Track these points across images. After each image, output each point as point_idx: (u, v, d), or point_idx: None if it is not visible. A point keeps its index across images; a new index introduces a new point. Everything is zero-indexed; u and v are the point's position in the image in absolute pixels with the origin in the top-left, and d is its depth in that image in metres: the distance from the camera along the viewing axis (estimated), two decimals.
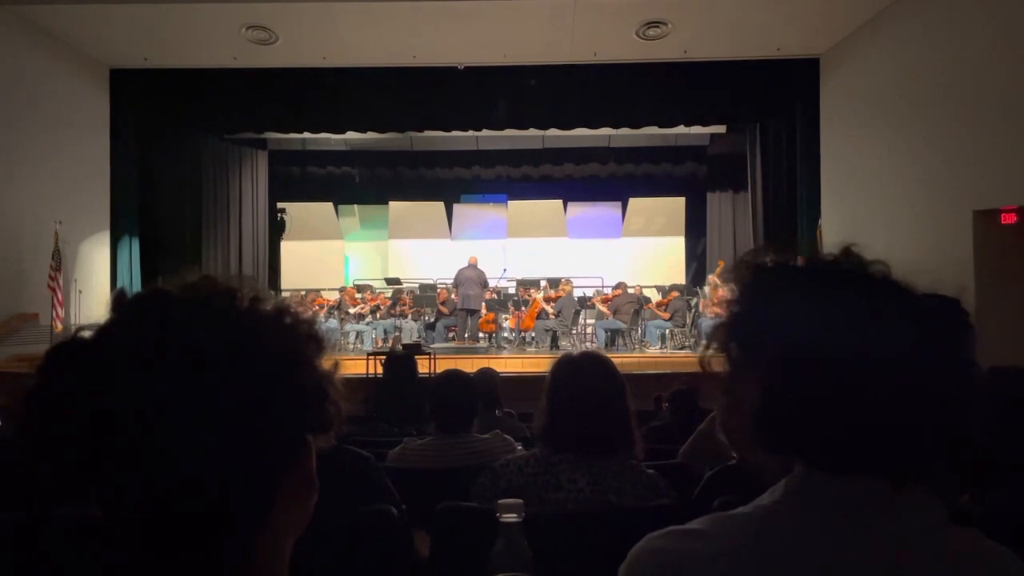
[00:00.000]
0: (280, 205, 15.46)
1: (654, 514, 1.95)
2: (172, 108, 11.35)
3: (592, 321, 12.41)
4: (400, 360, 4.67)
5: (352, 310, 12.52)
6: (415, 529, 2.30)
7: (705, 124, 12.84)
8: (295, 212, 15.64)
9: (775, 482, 0.80)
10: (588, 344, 12.04)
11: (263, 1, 9.14)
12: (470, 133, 13.09)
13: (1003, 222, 7.44)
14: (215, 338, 0.64)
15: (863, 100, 9.66)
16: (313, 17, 9.51)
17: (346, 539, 1.94)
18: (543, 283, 12.72)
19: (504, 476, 2.08)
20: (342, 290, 13.22)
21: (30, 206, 9.38)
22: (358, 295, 12.99)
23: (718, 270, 12.02)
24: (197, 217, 12.63)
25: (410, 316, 12.60)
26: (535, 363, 9.84)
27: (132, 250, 11.26)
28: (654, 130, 12.88)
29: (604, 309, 11.82)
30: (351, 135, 13.69)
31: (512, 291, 12.97)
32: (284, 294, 12.21)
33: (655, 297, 12.76)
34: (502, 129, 11.94)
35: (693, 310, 11.88)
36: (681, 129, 13.02)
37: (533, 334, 11.96)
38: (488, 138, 14.04)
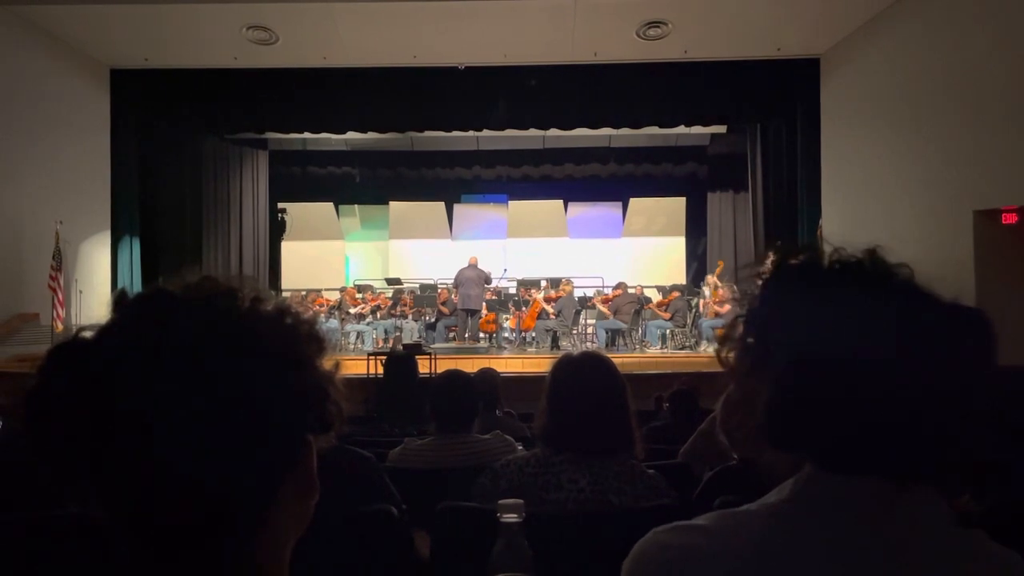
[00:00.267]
0: (281, 205, 15.46)
1: (655, 514, 1.95)
2: (173, 108, 11.36)
3: (592, 321, 12.40)
4: (401, 360, 4.67)
5: (353, 310, 12.52)
6: (415, 529, 2.30)
7: (705, 124, 12.84)
8: (296, 212, 15.64)
9: (779, 482, 0.80)
10: (588, 344, 12.04)
11: (264, 1, 9.15)
12: (471, 133, 13.09)
13: (1004, 222, 7.45)
14: (216, 338, 0.64)
15: (863, 100, 9.66)
16: (314, 17, 9.51)
17: (347, 539, 1.94)
18: (543, 283, 12.72)
19: (505, 476, 2.08)
20: (343, 290, 13.22)
21: (31, 206, 9.38)
22: (359, 295, 12.99)
23: (718, 270, 12.03)
24: (198, 217, 12.64)
25: (411, 316, 12.60)
26: (536, 363, 9.83)
27: (133, 250, 11.26)
28: (655, 130, 12.87)
29: (604, 309, 11.82)
30: (352, 135, 13.69)
31: (513, 291, 12.97)
32: (285, 294, 12.22)
33: (655, 297, 12.76)
34: (503, 129, 11.95)
35: (693, 310, 11.88)
36: (682, 129, 13.01)
37: (533, 334, 11.96)
38: (488, 138, 14.04)
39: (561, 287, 12.12)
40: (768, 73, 10.77)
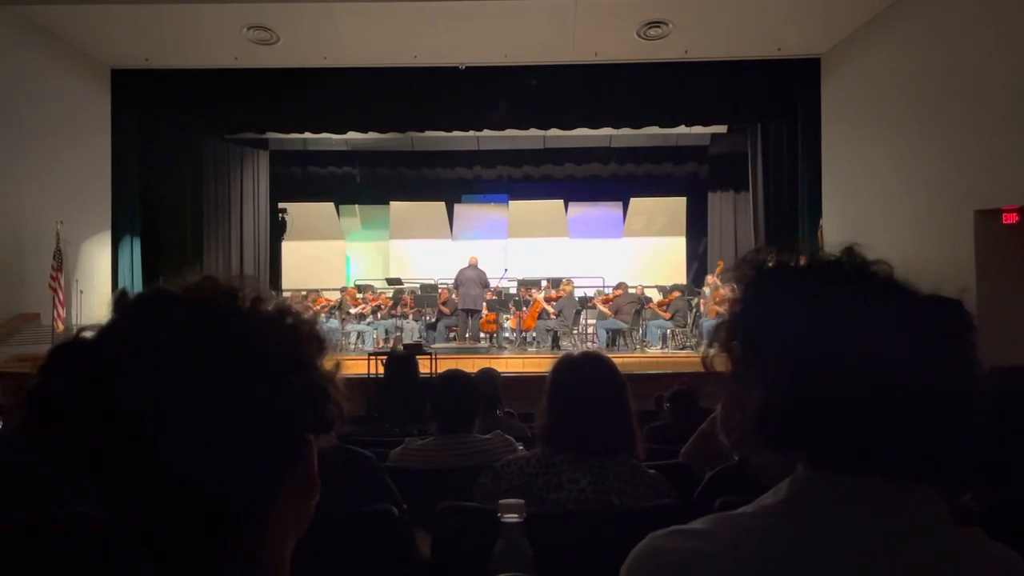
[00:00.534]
0: (281, 205, 15.46)
1: (655, 514, 1.95)
2: (173, 108, 11.36)
3: (593, 321, 12.40)
4: (401, 360, 4.68)
5: (353, 310, 12.52)
6: (416, 529, 2.30)
7: (706, 124, 12.84)
8: (296, 212, 15.64)
9: (777, 482, 0.80)
10: (589, 344, 12.03)
11: (264, 1, 9.15)
12: (471, 133, 13.09)
13: (1004, 222, 7.44)
14: (216, 338, 0.65)
15: (864, 100, 9.66)
16: (314, 17, 9.51)
17: (347, 539, 1.94)
18: (544, 283, 12.72)
19: (505, 476, 2.08)
20: (343, 290, 13.23)
21: (31, 206, 9.39)
22: (359, 295, 12.99)
23: (718, 270, 12.02)
24: (198, 217, 12.64)
25: (411, 316, 12.60)
26: (536, 363, 9.83)
27: (133, 250, 11.26)
28: (655, 130, 12.87)
29: (605, 309, 11.82)
30: (352, 135, 13.69)
31: (513, 291, 12.97)
32: (285, 294, 12.22)
33: (656, 297, 12.75)
34: (503, 129, 11.95)
35: (694, 310, 11.88)
36: (682, 129, 13.01)
37: (534, 334, 11.96)
38: (489, 138, 14.04)
39: (562, 287, 12.12)
40: (769, 73, 10.77)
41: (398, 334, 12.01)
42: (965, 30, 7.75)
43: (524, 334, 12.11)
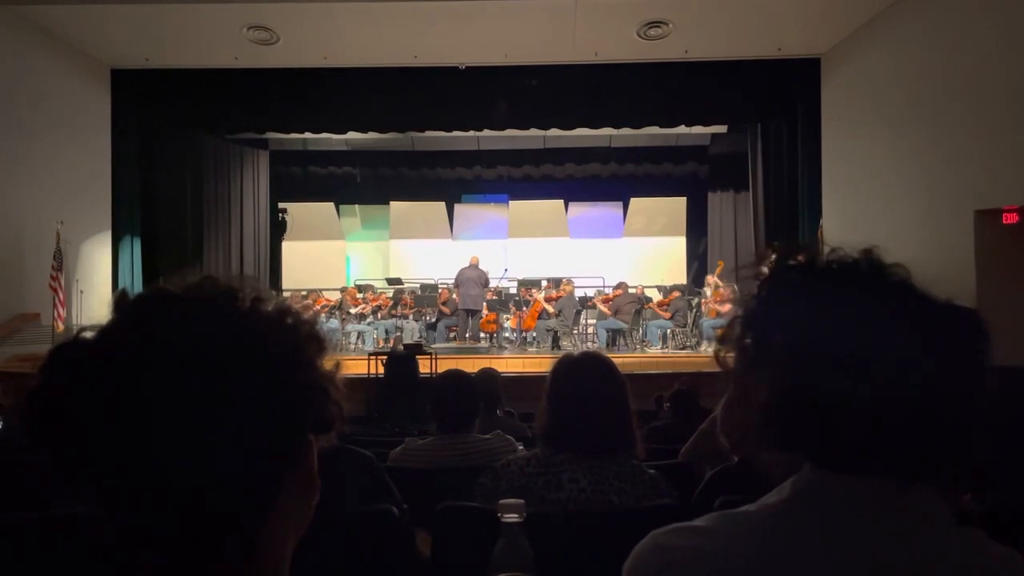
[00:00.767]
0: (281, 205, 15.46)
1: (655, 514, 1.95)
2: (173, 108, 11.36)
3: (593, 321, 12.40)
4: (401, 360, 4.68)
5: (353, 310, 12.52)
6: (416, 529, 2.31)
7: (706, 124, 12.84)
8: (296, 212, 15.64)
9: (778, 482, 0.80)
10: (589, 344, 12.03)
11: (264, 1, 9.15)
12: (471, 133, 13.09)
13: (1004, 222, 7.45)
14: (217, 338, 0.65)
15: (864, 100, 9.66)
16: (314, 17, 9.51)
17: (347, 539, 1.94)
18: (544, 283, 12.72)
19: (505, 476, 2.08)
20: (343, 290, 13.22)
21: (31, 206, 9.39)
22: (359, 295, 12.99)
23: (718, 270, 12.02)
24: (198, 217, 12.64)
25: (411, 316, 12.59)
26: (536, 363, 9.83)
27: (133, 250, 11.27)
28: (655, 130, 12.87)
29: (605, 309, 11.82)
30: (352, 135, 13.69)
31: (513, 291, 12.97)
32: (285, 294, 12.22)
33: (656, 297, 12.75)
34: (503, 129, 11.95)
35: (694, 310, 11.88)
36: (682, 129, 13.01)
37: (534, 334, 11.96)
38: (489, 138, 14.04)
39: (562, 287, 12.12)
40: (769, 73, 10.77)
41: (398, 334, 12.01)
42: (965, 30, 7.75)
43: (524, 334, 12.11)
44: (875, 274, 0.79)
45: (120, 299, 0.67)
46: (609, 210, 16.14)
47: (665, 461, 2.79)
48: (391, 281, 13.96)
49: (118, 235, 11.06)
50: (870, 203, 9.36)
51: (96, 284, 10.41)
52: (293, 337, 0.69)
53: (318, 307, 11.87)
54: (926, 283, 0.79)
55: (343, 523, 1.96)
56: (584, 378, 2.12)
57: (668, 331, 11.90)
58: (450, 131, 12.68)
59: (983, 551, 0.76)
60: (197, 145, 12.65)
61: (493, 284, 12.58)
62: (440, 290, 12.89)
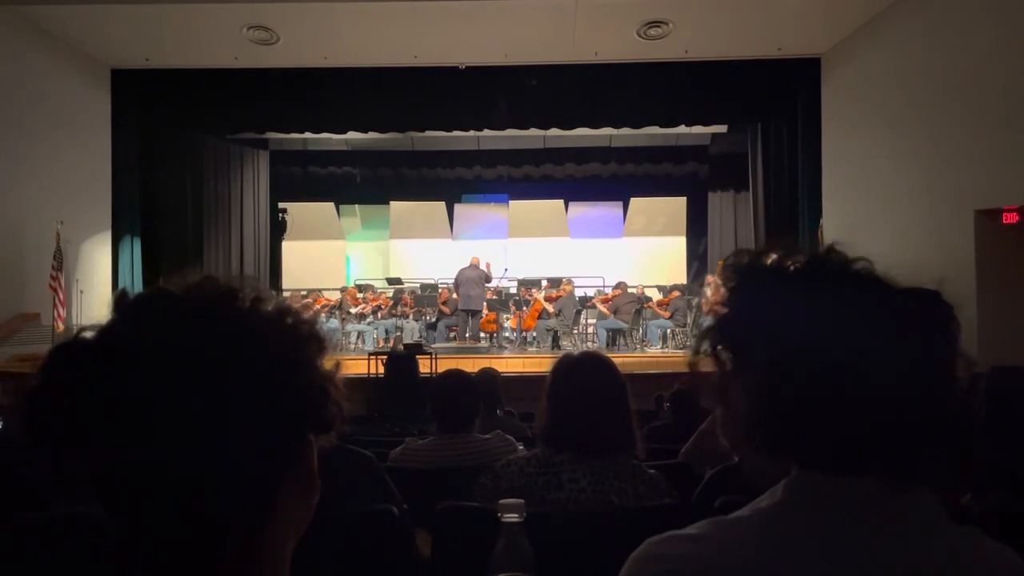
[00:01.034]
0: (281, 205, 15.46)
1: (655, 514, 1.95)
2: (173, 108, 11.36)
3: (593, 321, 12.41)
4: (401, 360, 4.68)
5: (353, 310, 12.53)
6: (416, 529, 2.31)
7: (706, 124, 12.84)
8: (296, 212, 15.64)
9: (773, 484, 0.80)
10: (589, 344, 12.04)
11: (264, 1, 9.15)
12: (471, 133, 13.08)
13: (1005, 222, 7.44)
14: (216, 338, 0.65)
15: (864, 100, 9.66)
16: (314, 17, 9.51)
17: (348, 538, 1.94)
18: (544, 283, 12.72)
19: (505, 476, 2.08)
20: (343, 290, 13.23)
21: (32, 206, 9.39)
22: (359, 295, 12.99)
23: (718, 270, 12.01)
24: (198, 217, 12.64)
25: (411, 316, 12.60)
26: (536, 363, 9.83)
27: (133, 250, 11.26)
28: (655, 130, 12.87)
29: (604, 309, 11.82)
30: (352, 135, 13.69)
31: (513, 291, 12.97)
32: (285, 294, 12.22)
33: (656, 297, 12.75)
34: (503, 129, 11.94)
35: (694, 309, 11.88)
36: (682, 129, 13.01)
37: (534, 334, 11.96)
38: (489, 138, 14.04)
39: (562, 287, 12.12)
40: (769, 73, 10.77)
41: (398, 334, 12.01)
42: (965, 30, 7.75)
43: (524, 334, 12.11)
44: (839, 270, 0.79)
45: (120, 299, 0.67)
46: (609, 210, 16.14)
47: (665, 461, 2.79)
48: (391, 281, 13.97)
49: (118, 235, 11.06)
50: (870, 203, 9.36)
51: (96, 284, 10.41)
52: (293, 337, 0.69)
53: (318, 307, 11.88)
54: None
55: (343, 523, 1.96)
56: (584, 378, 2.13)
57: (668, 331, 11.91)
58: (450, 131, 12.68)
59: (979, 550, 0.76)
60: (197, 145, 12.65)
61: (494, 283, 12.58)
62: (440, 290, 12.89)
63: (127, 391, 0.61)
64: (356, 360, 9.04)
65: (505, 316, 12.47)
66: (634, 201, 15.76)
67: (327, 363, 0.71)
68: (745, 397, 0.78)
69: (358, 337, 12.18)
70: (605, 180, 16.08)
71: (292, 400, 0.67)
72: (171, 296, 0.67)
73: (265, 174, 14.52)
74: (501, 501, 1.33)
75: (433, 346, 10.35)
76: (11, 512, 1.86)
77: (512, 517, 1.31)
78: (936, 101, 8.18)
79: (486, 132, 12.73)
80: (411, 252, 16.13)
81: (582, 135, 13.39)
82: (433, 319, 12.60)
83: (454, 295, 12.26)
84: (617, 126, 12.25)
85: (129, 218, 11.22)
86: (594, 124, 11.92)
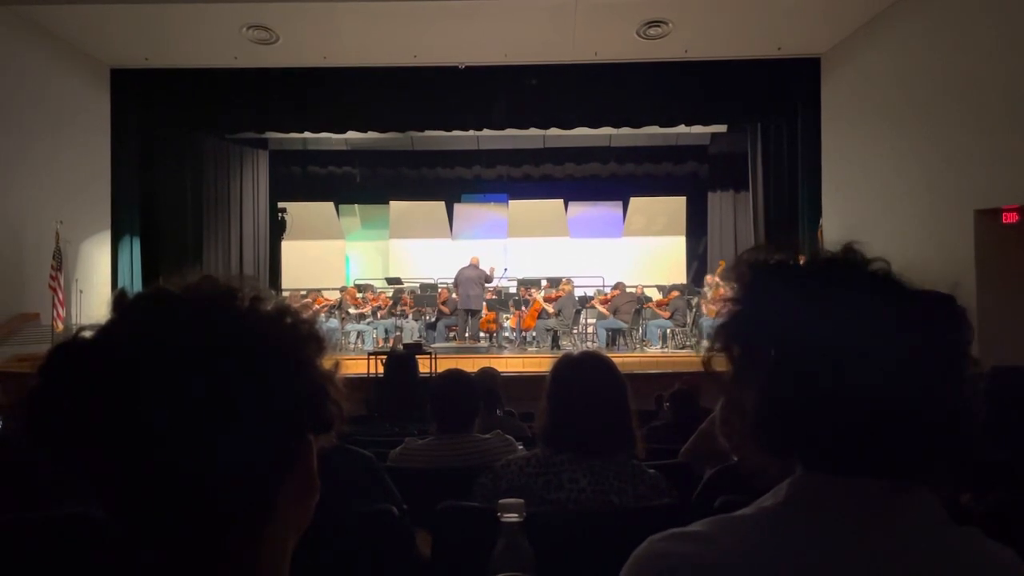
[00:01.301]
0: (281, 205, 15.47)
1: (655, 514, 1.95)
2: (173, 108, 11.36)
3: (593, 321, 12.41)
4: (401, 360, 4.67)
5: (353, 310, 12.53)
6: (416, 529, 2.31)
7: (706, 123, 12.84)
8: (296, 212, 15.65)
9: (775, 483, 0.80)
10: (589, 344, 12.04)
11: (264, 1, 9.15)
12: (471, 133, 13.09)
13: (1004, 221, 7.44)
14: (216, 338, 0.64)
15: (864, 99, 9.66)
16: (314, 17, 9.51)
17: (348, 539, 1.94)
18: (544, 283, 12.72)
19: (505, 476, 2.08)
20: (343, 290, 13.23)
21: (31, 206, 9.39)
22: (359, 295, 12.99)
23: (719, 270, 12.02)
24: (198, 217, 12.65)
25: (411, 316, 12.60)
26: (536, 363, 9.84)
27: (133, 250, 11.27)
28: (655, 129, 12.87)
29: (603, 310, 11.82)
30: (352, 135, 13.69)
31: (513, 291, 12.97)
32: (285, 294, 12.23)
33: (656, 297, 12.75)
34: (503, 129, 11.94)
35: (694, 309, 11.88)
36: (682, 128, 13.01)
37: (534, 334, 11.96)
38: (489, 138, 14.04)
39: (561, 286, 12.12)
40: (768, 72, 10.77)
41: (398, 334, 12.02)
42: (965, 30, 7.75)
43: (524, 334, 12.11)
44: (855, 270, 0.79)
45: (119, 299, 0.67)
46: (609, 210, 16.14)
47: (665, 461, 2.79)
48: (391, 281, 13.97)
49: (118, 235, 11.06)
50: (870, 203, 9.36)
51: (95, 284, 10.41)
52: (293, 337, 0.69)
53: (317, 307, 11.88)
54: (926, 283, 0.78)
55: (343, 523, 1.96)
56: (584, 378, 2.13)
57: (668, 331, 11.91)
58: (450, 131, 12.68)
59: (980, 551, 0.76)
60: (197, 145, 12.66)
61: (493, 284, 12.58)
62: (440, 290, 12.89)
63: (126, 391, 0.61)
64: (355, 360, 9.04)
65: (505, 316, 12.47)
66: (634, 201, 15.76)
67: (326, 363, 0.71)
68: (755, 395, 0.78)
69: (357, 337, 12.18)
70: (605, 180, 16.07)
71: (291, 400, 0.66)
72: (170, 296, 0.67)
73: (265, 174, 14.53)
74: (501, 501, 1.33)
75: (433, 346, 10.35)
76: (11, 512, 1.86)
77: (512, 517, 1.30)
78: (936, 101, 8.19)
79: (486, 132, 12.73)
80: (411, 252, 16.13)
81: (582, 135, 13.39)
82: (433, 319, 12.60)
83: (453, 295, 12.26)
84: (617, 126, 12.25)
85: (129, 218, 11.22)
86: (594, 124, 11.92)
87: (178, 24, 9.64)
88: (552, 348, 11.32)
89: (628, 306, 11.65)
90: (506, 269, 13.56)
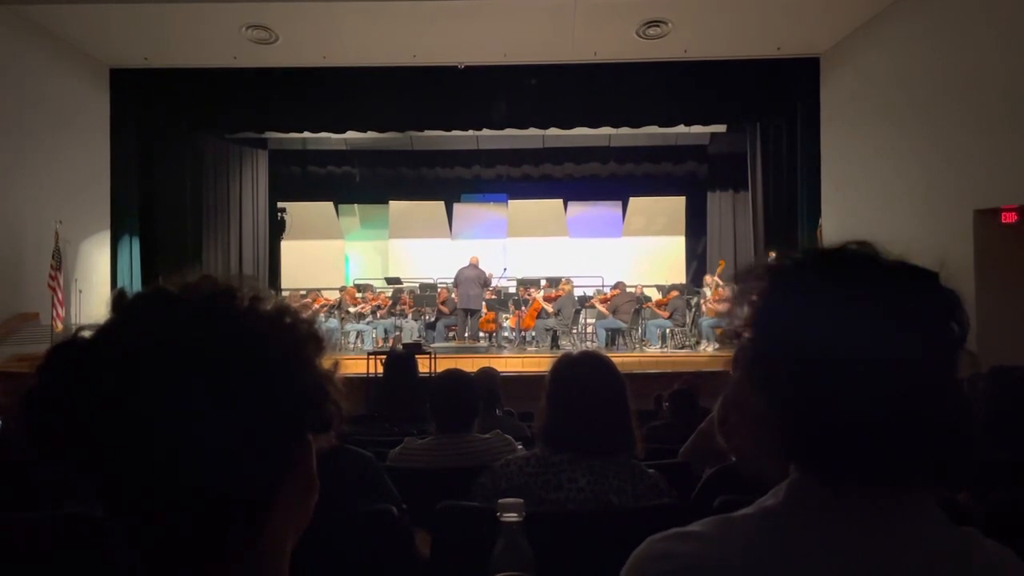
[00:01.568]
0: (280, 205, 15.47)
1: (655, 514, 1.95)
2: (172, 108, 11.36)
3: (592, 320, 12.41)
4: (400, 359, 4.67)
5: (352, 309, 12.52)
6: (416, 529, 2.30)
7: (705, 123, 12.85)
8: (295, 211, 15.65)
9: (775, 483, 0.80)
10: (588, 343, 12.04)
11: (264, 1, 9.15)
12: (470, 133, 13.09)
13: (1003, 221, 7.45)
14: (215, 338, 0.64)
15: (863, 99, 9.66)
16: (313, 17, 9.51)
17: (347, 539, 1.94)
18: (543, 282, 12.72)
19: (504, 476, 2.08)
20: (342, 289, 13.22)
21: (31, 206, 9.38)
22: (358, 294, 12.99)
23: (718, 270, 12.03)
24: (197, 216, 12.64)
25: (410, 315, 12.60)
26: (535, 362, 9.83)
27: (132, 250, 11.27)
28: (654, 129, 12.88)
29: (603, 309, 11.82)
30: (351, 135, 13.69)
31: (512, 291, 12.97)
32: (284, 294, 12.22)
33: (656, 296, 12.75)
34: (502, 128, 11.95)
35: (693, 309, 11.88)
36: (681, 128, 13.01)
37: (533, 333, 11.96)
38: (488, 137, 14.05)
39: (560, 286, 12.12)
40: (768, 72, 10.78)
41: (397, 333, 12.01)
42: (965, 30, 7.75)
43: (523, 333, 12.11)
44: (869, 270, 0.79)
45: (118, 298, 0.67)
46: (608, 210, 16.14)
47: (665, 461, 2.79)
48: (390, 280, 13.97)
49: (117, 234, 11.06)
50: (870, 203, 9.36)
51: (95, 284, 10.41)
52: (292, 336, 0.69)
53: (317, 306, 11.87)
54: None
55: (343, 523, 1.96)
56: (583, 378, 2.13)
57: (667, 330, 11.91)
58: (449, 131, 12.68)
59: (980, 551, 0.76)
60: (197, 145, 12.65)
61: (493, 284, 12.59)
62: (439, 289, 12.89)
63: (125, 390, 0.61)
64: (355, 360, 9.03)
65: (504, 316, 12.47)
66: (633, 201, 15.75)
67: (326, 363, 0.71)
68: (764, 398, 0.77)
69: (357, 337, 12.18)
70: (604, 180, 16.08)
71: (291, 400, 0.66)
72: (170, 295, 0.67)
73: (264, 174, 14.53)
74: (500, 501, 1.33)
75: (432, 346, 10.35)
76: (11, 512, 1.86)
77: (512, 517, 1.30)
78: (936, 101, 8.19)
79: (485, 132, 12.74)
80: (410, 252, 16.13)
81: (581, 135, 13.39)
82: (432, 319, 12.60)
83: (453, 295, 12.26)
84: (616, 126, 12.25)
85: (128, 218, 11.22)
86: (593, 124, 11.93)
87: (178, 24, 9.64)
88: (551, 348, 11.32)
89: (627, 306, 11.65)
90: (505, 269, 13.55)
